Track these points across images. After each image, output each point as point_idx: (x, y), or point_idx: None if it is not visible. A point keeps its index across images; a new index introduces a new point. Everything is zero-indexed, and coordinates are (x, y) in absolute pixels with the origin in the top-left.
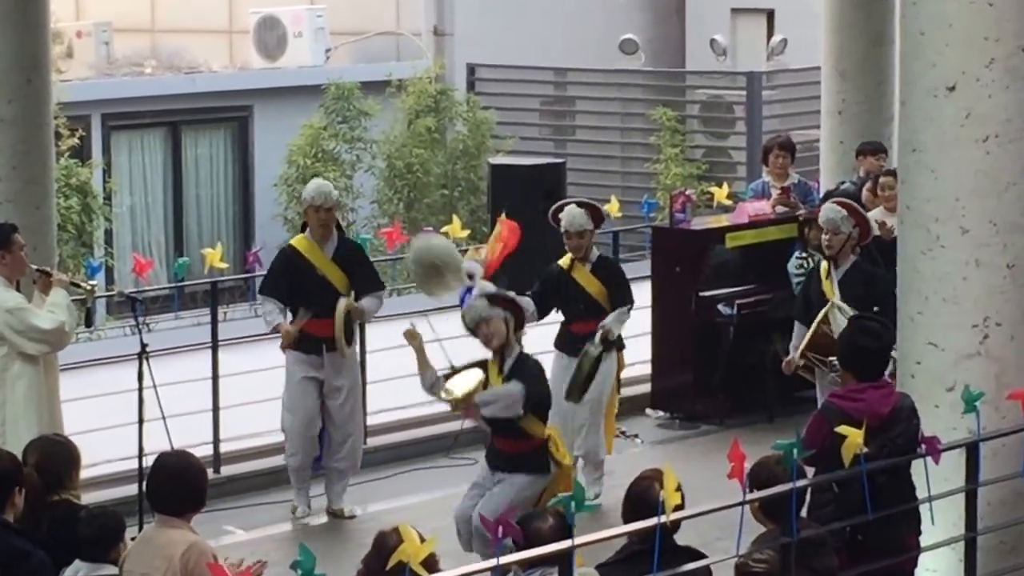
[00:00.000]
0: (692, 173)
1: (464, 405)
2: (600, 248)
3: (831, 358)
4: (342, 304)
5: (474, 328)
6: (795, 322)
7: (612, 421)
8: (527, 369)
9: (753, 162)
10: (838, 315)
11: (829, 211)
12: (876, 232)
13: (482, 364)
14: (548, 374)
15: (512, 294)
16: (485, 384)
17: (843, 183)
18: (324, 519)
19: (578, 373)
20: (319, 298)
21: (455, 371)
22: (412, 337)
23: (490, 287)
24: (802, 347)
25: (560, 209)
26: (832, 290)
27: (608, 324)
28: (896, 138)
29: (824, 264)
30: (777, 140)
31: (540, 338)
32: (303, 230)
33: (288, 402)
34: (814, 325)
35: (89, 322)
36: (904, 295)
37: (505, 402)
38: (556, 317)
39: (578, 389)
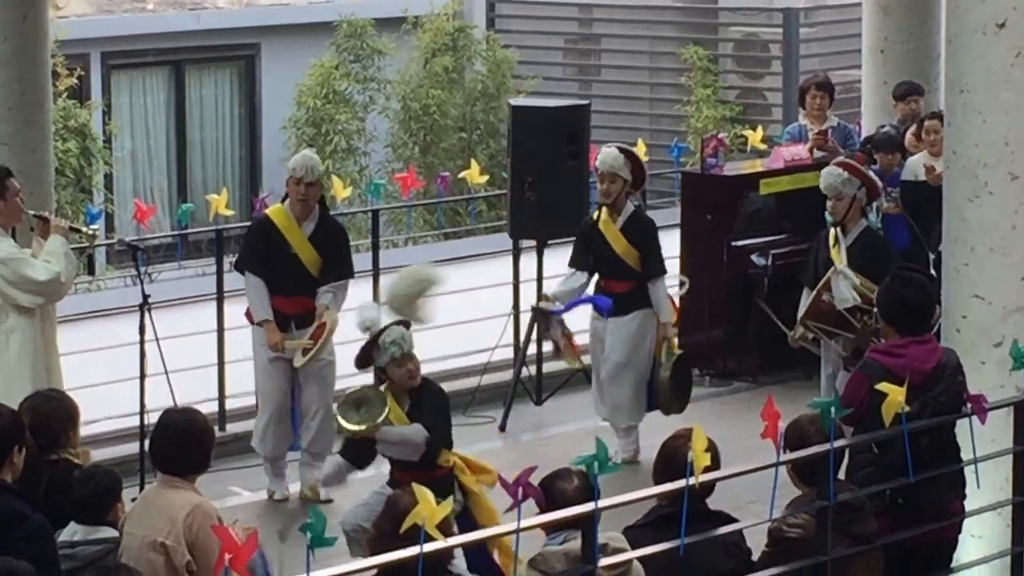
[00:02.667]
0: (725, 115)
1: (365, 435)
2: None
3: (855, 324)
4: (331, 321)
5: (393, 361)
6: (804, 288)
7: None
8: (432, 404)
9: (789, 104)
10: (840, 282)
11: (828, 176)
12: (922, 177)
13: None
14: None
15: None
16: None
17: (883, 127)
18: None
19: (659, 382)
20: (289, 277)
21: (360, 394)
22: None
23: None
24: (801, 315)
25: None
26: (839, 257)
27: (665, 322)
28: (942, 78)
29: (833, 230)
30: (815, 80)
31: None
32: (284, 200)
33: (259, 387)
34: (813, 292)
35: (91, 269)
36: (949, 245)
37: (408, 448)
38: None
39: (675, 404)
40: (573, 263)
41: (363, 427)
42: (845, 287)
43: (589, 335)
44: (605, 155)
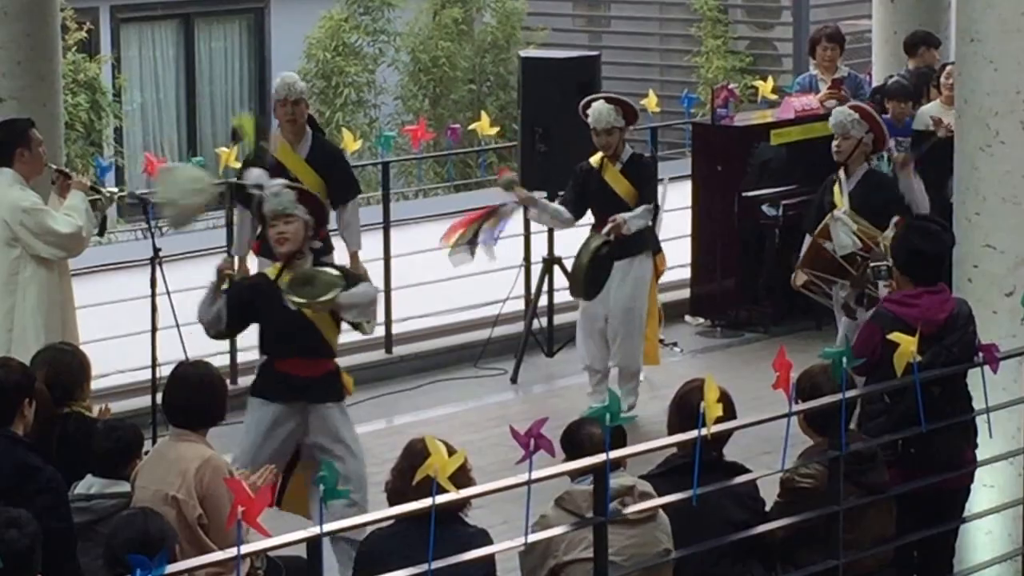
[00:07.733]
0: (735, 66)
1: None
2: (638, 146)
3: (862, 272)
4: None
5: (270, 218)
6: (806, 235)
7: (655, 329)
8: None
9: (800, 54)
10: (839, 228)
11: (838, 115)
12: (931, 127)
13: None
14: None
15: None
16: None
17: (892, 76)
18: None
19: (576, 264)
20: None
21: (308, 274)
22: None
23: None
24: (799, 263)
25: (589, 105)
26: (841, 201)
27: (622, 216)
28: (953, 27)
29: (837, 175)
30: (825, 31)
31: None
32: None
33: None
34: (809, 240)
35: (102, 230)
36: (961, 194)
37: (368, 305)
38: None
39: (578, 283)
40: (564, 204)
41: (319, 300)
42: (844, 233)
43: None
44: (598, 113)
